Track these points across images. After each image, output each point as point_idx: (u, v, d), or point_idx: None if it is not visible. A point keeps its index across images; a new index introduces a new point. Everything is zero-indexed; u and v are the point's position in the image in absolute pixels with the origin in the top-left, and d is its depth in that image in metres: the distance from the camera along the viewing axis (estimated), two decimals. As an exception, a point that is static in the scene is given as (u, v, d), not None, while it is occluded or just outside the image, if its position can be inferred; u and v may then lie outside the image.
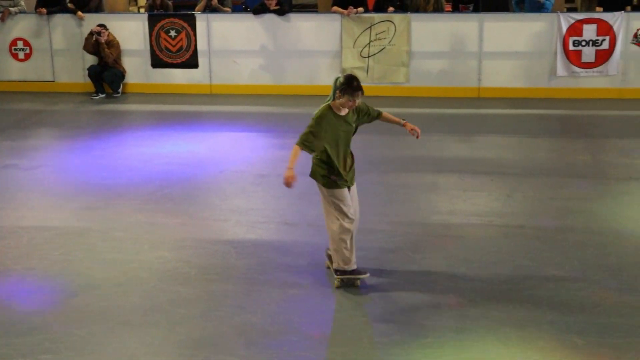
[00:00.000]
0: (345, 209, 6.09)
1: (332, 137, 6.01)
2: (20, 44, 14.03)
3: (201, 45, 13.58)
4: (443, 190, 8.59)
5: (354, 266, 6.17)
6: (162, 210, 8.05)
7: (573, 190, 8.52)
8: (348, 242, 6.11)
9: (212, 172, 9.32)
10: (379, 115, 6.35)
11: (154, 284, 6.37)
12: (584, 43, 12.69)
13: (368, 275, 6.24)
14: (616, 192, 8.46)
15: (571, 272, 6.48)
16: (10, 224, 7.70)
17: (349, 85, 5.92)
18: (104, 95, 13.60)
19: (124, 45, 13.71)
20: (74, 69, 14.05)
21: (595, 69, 12.81)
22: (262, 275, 6.49)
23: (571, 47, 12.72)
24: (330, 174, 6.09)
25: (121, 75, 13.63)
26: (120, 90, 13.69)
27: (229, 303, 6.03)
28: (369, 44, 13.14)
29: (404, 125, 6.41)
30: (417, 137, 6.39)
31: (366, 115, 6.22)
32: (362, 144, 10.42)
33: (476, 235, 7.30)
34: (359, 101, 6.01)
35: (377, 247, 7.00)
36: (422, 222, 7.63)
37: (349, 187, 6.16)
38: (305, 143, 5.99)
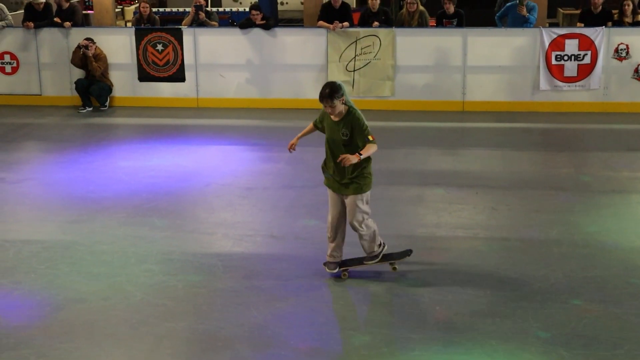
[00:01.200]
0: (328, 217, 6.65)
1: (328, 134, 6.44)
2: (7, 58, 14.00)
3: (188, 59, 13.59)
4: (428, 203, 8.64)
5: (328, 258, 6.70)
6: (149, 223, 8.05)
7: (557, 202, 8.59)
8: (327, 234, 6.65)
9: (199, 185, 9.33)
10: (364, 146, 6.31)
11: (141, 298, 6.38)
12: (566, 57, 12.80)
13: (336, 271, 6.64)
14: (600, 204, 8.53)
15: (556, 285, 6.54)
16: (-4, 238, 7.69)
17: (320, 93, 6.25)
18: (91, 109, 13.57)
19: (111, 58, 13.70)
20: (61, 83, 14.02)
21: (577, 83, 12.91)
22: (249, 289, 6.50)
23: (554, 62, 12.82)
24: (326, 170, 6.55)
25: (108, 88, 13.62)
26: (107, 103, 13.67)
27: (216, 316, 6.04)
28: (354, 57, 13.20)
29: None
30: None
31: (359, 137, 6.30)
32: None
33: (462, 248, 7.35)
34: (332, 109, 6.22)
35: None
36: (408, 235, 7.67)
37: (343, 195, 6.48)
38: (315, 122, 6.66)
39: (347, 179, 6.39)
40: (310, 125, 6.72)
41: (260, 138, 11.43)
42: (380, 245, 6.71)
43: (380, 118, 12.63)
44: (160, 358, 5.45)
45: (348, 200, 6.45)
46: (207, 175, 9.70)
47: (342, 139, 6.31)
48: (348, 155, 6.16)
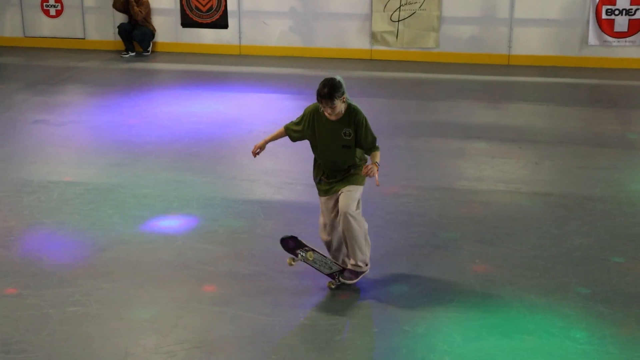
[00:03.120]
0: (320, 219, 5.79)
1: (321, 137, 5.56)
2: (51, 1, 14.05)
3: (231, 5, 13.53)
4: (470, 156, 8.57)
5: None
6: (191, 168, 8.11)
7: (601, 159, 8.47)
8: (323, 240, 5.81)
9: (241, 132, 9.35)
10: (369, 149, 5.52)
11: (183, 242, 6.44)
12: (617, 12, 12.51)
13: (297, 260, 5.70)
14: (646, 163, 8.40)
15: (599, 241, 6.47)
16: (41, 179, 7.80)
17: (317, 92, 5.36)
18: (133, 54, 13.62)
19: (154, 3, 13.70)
20: (104, 27, 14.08)
21: (627, 39, 12.63)
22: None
23: (604, 16, 12.54)
24: (316, 176, 5.76)
25: (151, 34, 13.63)
26: (149, 49, 13.70)
27: (256, 262, 6.09)
28: (399, 8, 13.03)
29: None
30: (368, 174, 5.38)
31: (365, 137, 5.47)
32: (390, 108, 10.44)
33: (503, 202, 7.30)
34: (333, 109, 5.35)
35: (404, 211, 7.02)
36: (449, 188, 7.63)
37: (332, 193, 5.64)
38: (288, 127, 5.83)
39: (343, 175, 5.58)
40: (281, 129, 5.87)
41: (302, 87, 11.37)
42: (367, 264, 5.67)
43: (423, 70, 12.52)
44: (201, 301, 5.51)
45: (342, 192, 5.52)
46: (249, 123, 9.71)
47: (345, 139, 5.46)
48: (370, 165, 5.31)
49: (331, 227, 5.71)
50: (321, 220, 5.74)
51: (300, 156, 8.51)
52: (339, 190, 5.55)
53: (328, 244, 5.78)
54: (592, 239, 6.52)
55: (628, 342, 5.04)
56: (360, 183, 5.57)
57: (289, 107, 10.52)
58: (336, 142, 5.50)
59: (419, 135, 9.23)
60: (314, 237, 6.46)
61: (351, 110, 5.46)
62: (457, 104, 10.67)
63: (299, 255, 5.61)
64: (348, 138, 5.47)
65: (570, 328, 5.19)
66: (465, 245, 6.40)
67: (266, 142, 5.84)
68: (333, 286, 5.71)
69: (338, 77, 5.42)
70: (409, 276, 5.89)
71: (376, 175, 5.31)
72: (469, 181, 7.82)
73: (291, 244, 5.63)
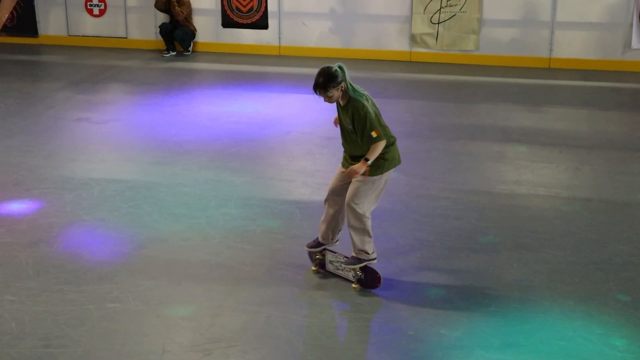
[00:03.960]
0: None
1: (340, 120, 5.69)
2: (95, 0, 14.24)
3: (272, 6, 13.60)
4: (510, 160, 8.51)
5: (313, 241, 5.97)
6: (229, 168, 8.15)
7: (644, 165, 8.37)
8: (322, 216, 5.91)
9: (279, 133, 9.39)
10: (367, 143, 5.47)
11: (220, 240, 6.48)
12: (661, 15, 12.35)
13: (312, 250, 5.94)
14: (689, 169, 8.27)
15: (639, 248, 6.38)
16: (82, 176, 7.90)
17: (314, 80, 5.48)
18: (174, 53, 13.75)
19: (196, 4, 13.81)
20: (146, 26, 14.23)
21: (672, 43, 12.46)
22: (326, 237, 6.53)
23: (648, 19, 12.40)
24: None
25: (192, 33, 13.74)
26: (190, 48, 13.82)
27: (293, 263, 6.11)
28: (439, 10, 12.98)
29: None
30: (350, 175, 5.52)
31: (360, 130, 5.47)
32: (428, 110, 10.41)
33: (542, 207, 7.23)
34: (329, 98, 5.46)
35: (442, 214, 6.99)
36: (488, 191, 7.58)
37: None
38: None
39: (357, 158, 5.58)
40: None
41: (341, 88, 11.38)
42: (369, 254, 5.69)
43: (463, 72, 12.46)
44: (238, 300, 5.54)
45: (353, 181, 5.59)
46: (288, 123, 9.74)
47: (348, 127, 5.57)
48: (354, 167, 5.44)
49: (334, 195, 5.75)
50: (329, 186, 5.83)
51: (337, 157, 8.47)
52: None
53: (327, 212, 5.82)
54: (632, 245, 6.44)
55: (668, 351, 4.97)
56: (374, 174, 5.53)
57: (327, 108, 10.46)
58: (346, 127, 5.60)
59: (457, 138, 9.18)
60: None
61: (351, 102, 5.50)
62: (497, 107, 10.60)
63: (314, 260, 5.92)
64: (349, 127, 5.55)
65: (610, 335, 5.13)
66: (504, 249, 6.35)
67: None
68: (357, 289, 5.71)
69: (335, 66, 5.44)
70: (446, 280, 5.87)
71: (359, 172, 5.39)
72: (508, 185, 7.77)
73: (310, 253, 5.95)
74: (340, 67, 5.43)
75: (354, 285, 5.75)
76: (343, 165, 5.76)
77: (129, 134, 9.38)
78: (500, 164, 8.41)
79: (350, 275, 5.79)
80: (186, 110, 10.38)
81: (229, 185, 7.69)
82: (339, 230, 5.92)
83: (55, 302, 5.50)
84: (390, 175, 5.68)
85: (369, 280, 5.75)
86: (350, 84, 5.48)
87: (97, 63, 13.16)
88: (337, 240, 5.93)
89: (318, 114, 10.19)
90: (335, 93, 5.43)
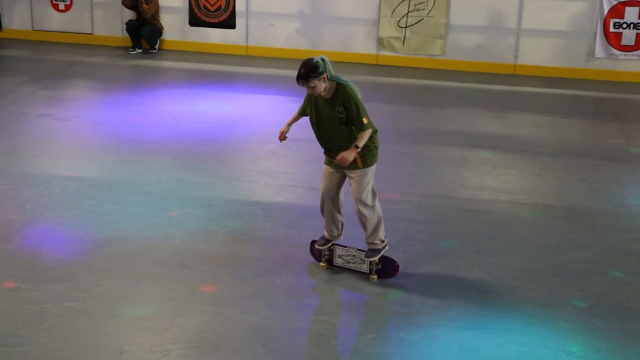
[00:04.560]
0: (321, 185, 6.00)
1: (321, 115, 5.69)
2: (60, -5, 14.11)
3: (240, 6, 13.55)
4: (473, 165, 8.57)
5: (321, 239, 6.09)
6: (193, 168, 8.12)
7: (604, 173, 8.46)
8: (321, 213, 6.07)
9: (244, 133, 9.36)
10: (358, 131, 5.60)
11: (181, 241, 6.45)
12: (625, 25, 12.50)
13: (323, 247, 6.05)
14: (648, 178, 8.40)
15: (597, 255, 6.47)
16: (44, 173, 7.82)
17: (297, 73, 5.55)
18: (140, 51, 13.65)
19: (163, 1, 13.72)
20: (112, 23, 14.10)
21: (634, 53, 12.62)
22: (288, 239, 6.54)
23: (611, 29, 12.54)
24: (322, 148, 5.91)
25: (159, 31, 13.65)
26: (157, 46, 13.72)
27: (254, 264, 6.10)
28: (407, 14, 13.04)
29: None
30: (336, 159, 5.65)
31: (352, 117, 5.57)
32: (394, 114, 10.44)
33: (504, 212, 7.30)
34: (312, 89, 5.52)
35: (405, 218, 7.02)
36: (451, 196, 7.63)
37: (347, 171, 5.79)
38: (301, 105, 5.97)
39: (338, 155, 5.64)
40: (295, 113, 6.02)
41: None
42: (383, 241, 5.91)
43: (429, 77, 12.53)
44: (198, 301, 5.52)
45: (353, 177, 5.74)
46: (253, 124, 9.72)
47: (339, 117, 5.60)
48: (344, 154, 5.53)
49: (330, 194, 5.88)
50: (321, 187, 5.94)
51: (302, 158, 8.54)
52: (348, 172, 5.72)
53: (326, 211, 5.98)
54: (591, 252, 6.52)
55: (623, 358, 5.04)
56: (370, 164, 5.73)
57: (293, 109, 10.44)
58: (333, 119, 5.64)
59: (422, 142, 9.23)
60: (314, 239, 6.47)
61: (340, 90, 5.59)
62: (462, 112, 10.68)
63: (323, 256, 6.04)
64: (342, 116, 5.60)
65: (566, 341, 5.19)
66: (464, 254, 6.40)
67: (288, 125, 6.03)
68: (374, 279, 5.90)
69: (317, 58, 5.56)
70: (406, 283, 5.89)
71: (350, 158, 5.52)
72: (471, 190, 7.83)
73: (315, 250, 6.07)
74: (322, 59, 5.59)
75: (371, 276, 5.91)
76: (328, 164, 5.85)
77: (93, 132, 9.30)
78: (463, 169, 8.47)
79: (364, 267, 5.94)
80: (151, 108, 10.31)
81: (192, 185, 7.66)
82: (343, 224, 6.06)
83: (12, 301, 5.43)
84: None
85: (387, 269, 5.92)
86: (335, 75, 5.61)
87: (61, 59, 13.02)
88: (341, 235, 6.06)
89: (283, 115, 10.15)
90: (318, 84, 5.52)
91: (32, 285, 5.65)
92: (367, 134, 5.59)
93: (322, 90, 5.57)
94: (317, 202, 7.31)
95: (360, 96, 5.65)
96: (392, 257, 5.98)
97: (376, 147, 5.78)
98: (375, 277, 5.92)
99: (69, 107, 10.23)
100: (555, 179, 8.25)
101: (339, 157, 5.58)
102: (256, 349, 4.99)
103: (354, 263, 6.00)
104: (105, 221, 6.77)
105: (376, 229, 5.86)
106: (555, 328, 5.34)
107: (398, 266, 5.94)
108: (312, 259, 6.19)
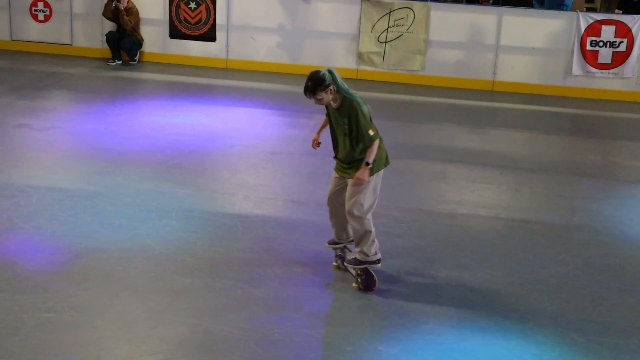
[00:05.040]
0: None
1: (332, 121, 5.90)
2: (40, 5, 14.02)
3: (220, 19, 13.56)
4: (452, 180, 8.61)
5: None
6: (172, 179, 8.09)
7: (581, 189, 8.54)
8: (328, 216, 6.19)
9: (224, 146, 9.35)
10: (366, 142, 5.71)
11: (160, 252, 6.42)
12: (601, 44, 12.66)
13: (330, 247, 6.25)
14: (624, 193, 8.48)
15: (574, 270, 6.52)
16: (21, 183, 7.76)
17: (304, 87, 5.66)
18: (120, 62, 13.61)
19: (144, 13, 13.71)
20: (92, 34, 14.06)
21: (611, 71, 12.77)
22: (267, 251, 6.53)
23: (588, 47, 12.69)
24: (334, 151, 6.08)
25: (139, 43, 13.63)
26: (137, 58, 13.69)
27: (233, 276, 6.08)
28: (387, 29, 13.12)
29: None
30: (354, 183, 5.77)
31: (356, 128, 5.69)
32: (374, 128, 10.47)
33: (482, 227, 7.34)
34: (319, 101, 5.65)
35: (384, 232, 7.02)
36: (430, 210, 7.66)
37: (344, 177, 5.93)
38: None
39: (350, 163, 5.84)
40: (323, 120, 6.11)
41: (287, 103, 11.40)
42: (368, 256, 5.90)
43: (408, 92, 12.59)
44: (176, 312, 5.50)
45: (350, 184, 5.82)
46: (233, 137, 9.71)
47: (344, 127, 5.74)
48: (357, 175, 5.67)
49: (333, 199, 6.02)
50: (328, 190, 6.07)
51: (281, 171, 8.54)
52: (349, 179, 5.83)
53: (332, 215, 6.12)
54: (568, 267, 6.57)
55: (599, 372, 5.08)
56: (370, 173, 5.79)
57: (273, 123, 10.54)
58: (340, 129, 5.82)
59: (401, 156, 9.25)
60: (293, 253, 6.49)
61: (345, 102, 5.71)
62: (440, 127, 10.74)
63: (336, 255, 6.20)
64: (346, 127, 5.75)
65: (543, 355, 5.22)
66: (443, 268, 6.42)
67: (319, 133, 6.21)
68: (355, 288, 6.01)
69: (324, 71, 5.67)
70: (385, 297, 5.90)
71: (365, 178, 5.67)
72: (449, 205, 7.86)
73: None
74: (329, 71, 5.68)
75: (354, 284, 5.99)
76: (336, 170, 6.00)
77: (71, 142, 9.24)
78: (442, 183, 8.51)
79: (354, 273, 6.03)
80: (130, 120, 10.28)
81: (171, 196, 7.63)
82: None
83: (-13, 311, 5.38)
84: (382, 173, 5.96)
85: (365, 282, 5.94)
86: (344, 87, 5.71)
87: (40, 69, 12.96)
88: (352, 239, 6.12)
89: (263, 128, 10.21)
90: (325, 96, 5.65)
91: (8, 295, 5.59)
92: (375, 146, 5.72)
93: (330, 101, 5.71)
94: (296, 216, 7.35)
95: (366, 108, 5.73)
96: (372, 272, 5.99)
97: (375, 160, 5.78)
98: (356, 286, 5.97)
99: (47, 117, 10.18)
100: (533, 194, 8.31)
101: (354, 180, 5.71)
102: (234, 361, 4.97)
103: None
104: (82, 232, 6.73)
105: (361, 241, 5.89)
106: (532, 342, 5.36)
107: (375, 281, 5.97)
108: (291, 271, 6.18)
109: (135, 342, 5.10)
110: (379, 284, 5.99)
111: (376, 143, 5.73)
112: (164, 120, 10.27)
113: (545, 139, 10.50)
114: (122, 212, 7.18)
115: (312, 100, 5.72)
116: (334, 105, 5.77)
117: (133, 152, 8.87)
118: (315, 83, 5.61)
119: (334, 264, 6.30)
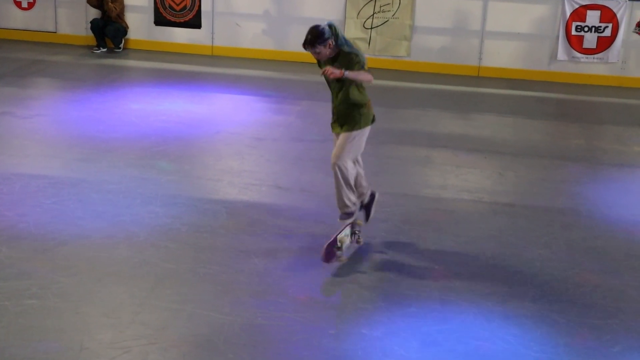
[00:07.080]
0: None
1: (325, 77, 5.90)
2: (23, -7, 13.97)
3: (205, 5, 13.52)
4: (436, 164, 8.64)
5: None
6: (156, 166, 8.08)
7: (565, 173, 8.58)
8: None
9: (209, 132, 9.34)
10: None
11: (144, 238, 6.42)
12: (586, 29, 12.68)
13: (347, 221, 6.26)
14: (607, 177, 8.52)
15: (557, 253, 6.56)
16: (4, 171, 7.73)
17: (304, 40, 5.84)
18: (105, 50, 13.55)
19: (128, 0, 13.64)
20: (76, 21, 13.99)
21: (595, 56, 12.81)
22: (252, 236, 6.55)
23: (573, 32, 12.71)
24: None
25: (124, 30, 13.57)
26: (121, 45, 13.64)
27: (217, 261, 6.09)
28: (372, 15, 13.10)
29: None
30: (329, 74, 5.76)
31: (348, 63, 5.80)
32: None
33: (466, 211, 7.37)
34: (318, 55, 5.84)
35: (367, 216, 7.05)
36: (414, 195, 7.69)
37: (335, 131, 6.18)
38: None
39: (344, 117, 6.06)
40: None
41: (272, 90, 11.40)
42: (348, 206, 6.14)
43: (394, 78, 12.59)
44: (160, 298, 5.50)
45: (339, 138, 6.06)
46: (218, 123, 9.71)
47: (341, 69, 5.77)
48: (331, 69, 5.67)
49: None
50: (332, 153, 6.16)
51: (266, 157, 8.54)
52: (339, 132, 6.05)
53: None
54: (550, 250, 6.61)
55: (581, 352, 5.12)
56: (352, 129, 6.01)
57: (258, 109, 10.53)
58: (334, 84, 5.96)
59: (386, 142, 9.27)
60: (277, 238, 6.51)
61: (343, 54, 5.83)
62: (426, 112, 10.75)
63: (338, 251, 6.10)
64: (344, 67, 5.75)
65: (525, 335, 5.26)
66: (426, 252, 6.45)
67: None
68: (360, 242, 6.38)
69: (324, 25, 5.83)
70: (368, 280, 5.93)
71: (336, 73, 5.66)
72: (434, 189, 7.89)
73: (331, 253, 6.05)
74: (329, 25, 5.78)
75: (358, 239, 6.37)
76: (333, 128, 6.18)
77: (55, 130, 9.22)
78: (427, 168, 8.54)
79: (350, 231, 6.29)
80: (115, 107, 10.25)
81: (155, 183, 7.62)
82: (361, 194, 6.36)
83: (-30, 298, 5.37)
84: (367, 131, 6.17)
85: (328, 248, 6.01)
86: (344, 41, 5.84)
87: (24, 57, 12.89)
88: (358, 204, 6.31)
89: (248, 114, 10.20)
90: (323, 50, 5.78)
91: (-9, 282, 5.59)
92: (363, 74, 5.83)
93: (328, 55, 5.82)
94: (281, 201, 7.36)
95: (364, 60, 5.88)
96: (350, 250, 6.06)
97: (362, 115, 6.05)
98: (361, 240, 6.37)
99: (31, 105, 10.14)
100: (517, 179, 8.34)
101: (326, 67, 5.71)
102: (218, 346, 4.98)
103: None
104: (67, 219, 6.72)
105: (341, 194, 6.06)
106: (514, 324, 5.40)
107: (327, 253, 5.97)
108: (275, 257, 6.20)
109: (119, 328, 5.11)
110: (361, 267, 6.01)
111: (366, 75, 5.85)
112: (149, 108, 10.25)
113: (530, 124, 10.54)
114: (106, 199, 7.17)
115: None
116: (329, 55, 5.84)
117: (118, 140, 8.86)
118: (315, 36, 5.73)
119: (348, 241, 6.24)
